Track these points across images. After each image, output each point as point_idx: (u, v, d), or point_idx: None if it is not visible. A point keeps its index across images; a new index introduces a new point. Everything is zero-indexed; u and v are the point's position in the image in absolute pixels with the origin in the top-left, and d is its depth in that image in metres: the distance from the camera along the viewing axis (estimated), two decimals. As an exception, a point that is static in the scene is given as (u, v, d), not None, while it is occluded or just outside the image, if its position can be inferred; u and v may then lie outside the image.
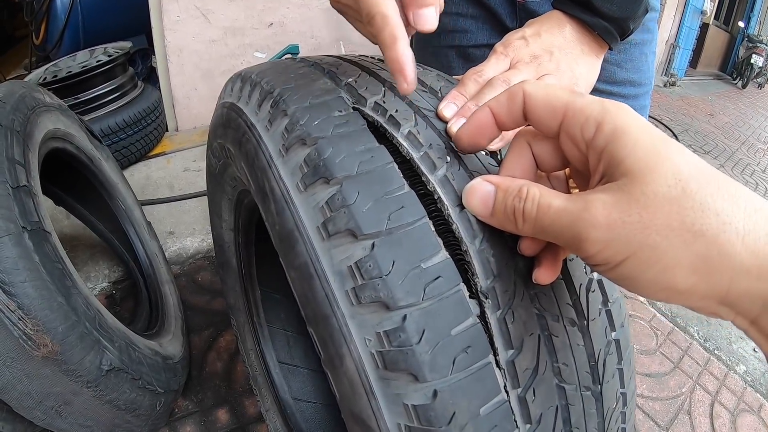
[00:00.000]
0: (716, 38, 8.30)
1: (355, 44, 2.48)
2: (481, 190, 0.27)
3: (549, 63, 0.44)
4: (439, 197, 0.28)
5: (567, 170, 0.30)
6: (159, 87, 2.04)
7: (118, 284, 1.33)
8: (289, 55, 1.94)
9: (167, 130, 2.10)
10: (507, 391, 0.26)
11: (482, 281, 0.26)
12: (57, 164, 1.03)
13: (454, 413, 0.24)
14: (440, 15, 0.70)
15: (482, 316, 0.26)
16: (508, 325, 0.26)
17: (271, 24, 2.15)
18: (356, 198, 0.26)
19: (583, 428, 0.31)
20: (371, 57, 0.45)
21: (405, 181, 0.28)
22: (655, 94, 5.12)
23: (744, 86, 7.67)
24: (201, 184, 1.78)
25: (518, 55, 0.43)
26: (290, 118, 0.31)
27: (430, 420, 0.24)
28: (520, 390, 0.26)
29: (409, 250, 0.26)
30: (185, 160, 1.92)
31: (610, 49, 0.49)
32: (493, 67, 0.42)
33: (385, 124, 0.31)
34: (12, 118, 0.76)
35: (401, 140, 0.30)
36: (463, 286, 0.26)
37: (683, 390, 1.41)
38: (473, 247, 0.27)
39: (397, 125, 0.31)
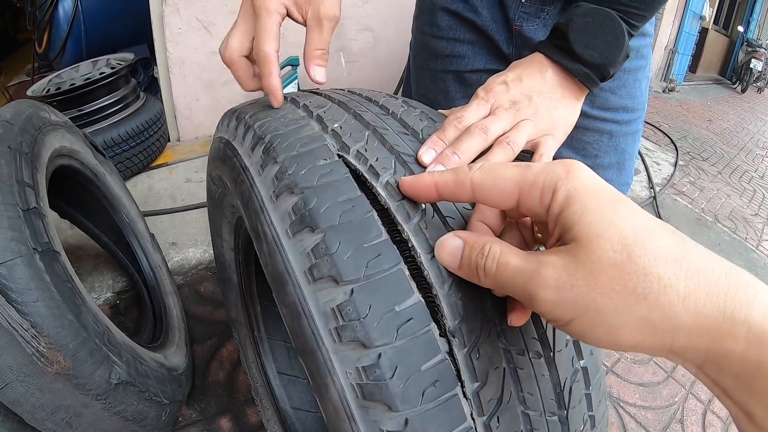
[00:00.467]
0: (716, 43, 8.32)
1: (356, 54, 2.51)
2: (450, 245, 0.29)
3: (528, 108, 0.46)
4: (413, 245, 0.30)
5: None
6: (161, 97, 2.07)
7: (122, 294, 1.36)
8: (289, 67, 1.97)
9: (169, 141, 2.13)
10: (473, 419, 0.29)
11: (450, 322, 0.29)
12: (62, 179, 1.06)
13: None
14: (438, 40, 0.74)
15: (450, 353, 0.29)
16: (473, 360, 0.29)
17: (272, 35, 2.18)
18: (338, 247, 0.29)
19: None
20: (359, 94, 0.48)
21: (383, 229, 0.31)
22: (653, 100, 5.16)
23: (743, 90, 7.70)
24: (203, 195, 1.81)
25: (498, 101, 0.46)
26: (280, 165, 0.34)
27: None
28: (485, 418, 0.29)
29: (384, 294, 0.28)
30: (187, 170, 1.95)
31: (591, 91, 0.51)
32: (473, 112, 0.44)
33: (365, 174, 0.33)
34: (20, 140, 0.79)
35: (380, 190, 0.33)
36: (433, 326, 0.29)
37: (676, 399, 1.44)
38: (442, 291, 0.29)
39: (377, 175, 0.33)
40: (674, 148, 3.65)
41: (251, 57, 0.46)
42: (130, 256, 1.27)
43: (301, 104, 0.43)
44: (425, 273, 0.30)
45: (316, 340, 0.29)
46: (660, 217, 2.47)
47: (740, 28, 8.56)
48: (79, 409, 0.65)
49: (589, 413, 0.38)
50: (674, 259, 0.23)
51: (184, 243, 1.58)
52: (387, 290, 0.28)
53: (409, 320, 0.28)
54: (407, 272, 0.30)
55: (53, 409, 0.64)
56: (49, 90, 1.64)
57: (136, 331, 1.09)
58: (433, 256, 0.30)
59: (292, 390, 0.92)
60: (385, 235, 0.30)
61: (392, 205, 0.32)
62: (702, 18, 6.30)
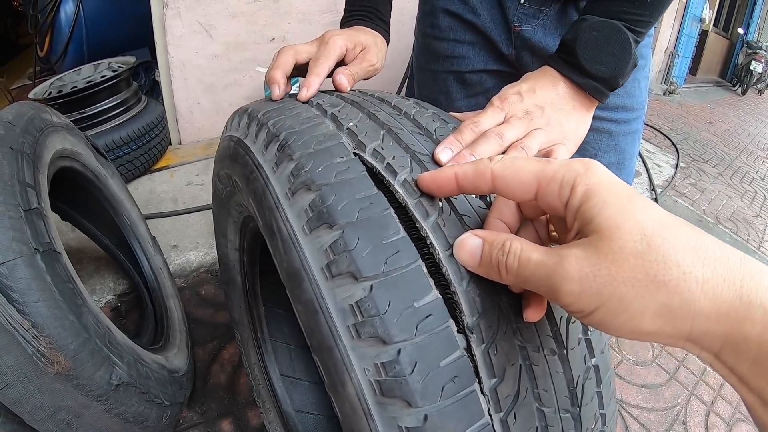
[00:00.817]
0: (716, 45, 8.34)
1: (356, 57, 2.52)
2: (469, 244, 0.30)
3: (540, 119, 0.47)
4: (431, 242, 0.30)
5: (547, 216, 0.33)
6: (162, 101, 2.08)
7: (123, 297, 1.35)
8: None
9: (171, 144, 2.13)
10: (491, 415, 0.29)
11: (468, 318, 0.29)
12: (64, 181, 1.06)
13: None
14: (439, 41, 0.74)
15: (468, 349, 0.29)
16: (491, 357, 0.29)
17: (273, 39, 2.18)
18: (357, 243, 0.29)
19: None
20: (370, 95, 0.48)
21: (401, 227, 0.31)
22: (654, 103, 5.17)
23: (744, 92, 7.71)
24: (204, 198, 1.81)
25: (512, 110, 0.47)
26: (296, 162, 0.34)
27: None
28: (502, 414, 0.29)
29: (403, 291, 0.28)
30: (188, 173, 1.95)
31: (601, 102, 0.52)
32: (489, 119, 0.45)
33: (383, 172, 0.34)
34: (22, 141, 0.79)
35: (397, 187, 0.33)
36: (451, 323, 0.29)
37: (679, 401, 1.43)
38: (461, 288, 0.29)
39: (394, 173, 0.33)
40: (675, 150, 3.65)
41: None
42: (131, 259, 1.27)
43: (314, 103, 0.43)
44: (444, 270, 0.30)
45: (334, 337, 0.29)
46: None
47: (740, 30, 8.58)
48: (80, 410, 0.65)
49: (600, 411, 0.38)
50: (692, 247, 0.24)
51: (186, 246, 1.58)
52: (406, 287, 0.29)
53: (428, 316, 0.28)
54: (425, 269, 0.30)
55: (54, 410, 0.63)
56: (50, 93, 1.64)
57: (137, 333, 1.09)
58: (452, 254, 0.30)
59: (294, 392, 0.92)
60: (403, 233, 0.31)
61: (410, 202, 0.32)
62: (702, 20, 6.32)
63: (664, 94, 5.73)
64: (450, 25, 0.72)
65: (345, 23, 0.63)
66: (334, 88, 0.52)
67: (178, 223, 1.68)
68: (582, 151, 0.72)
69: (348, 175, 0.33)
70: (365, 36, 0.59)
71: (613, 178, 0.27)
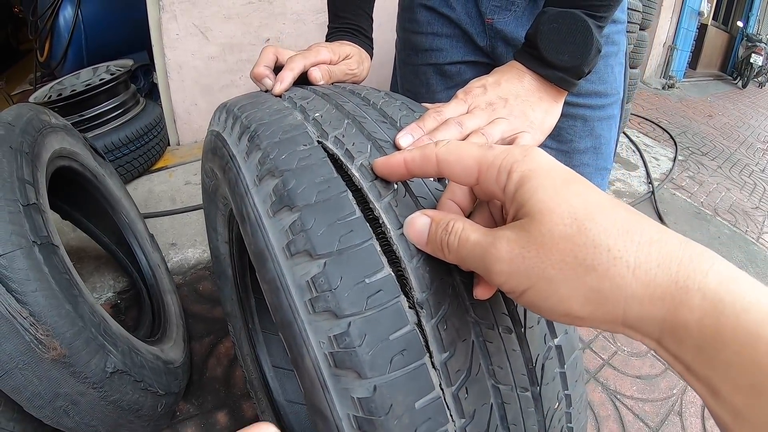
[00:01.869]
0: (715, 39, 8.32)
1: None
2: (418, 223, 0.31)
3: (503, 109, 0.48)
4: (383, 222, 0.32)
5: None
6: (160, 103, 2.11)
7: (122, 294, 1.38)
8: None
9: (169, 145, 2.16)
10: (442, 389, 0.30)
11: (418, 294, 0.30)
12: (63, 181, 1.09)
13: (391, 405, 0.28)
14: (418, 35, 0.77)
15: (419, 324, 0.30)
16: (441, 331, 0.30)
17: (268, 39, 2.21)
18: (313, 223, 0.31)
19: (520, 425, 0.35)
20: (342, 87, 0.50)
21: (356, 208, 0.32)
22: (653, 97, 5.16)
23: (744, 86, 7.69)
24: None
25: (475, 102, 0.48)
26: (263, 151, 0.36)
27: (371, 410, 0.28)
28: (453, 388, 0.30)
29: (355, 267, 0.30)
30: (187, 173, 1.98)
31: (570, 91, 0.53)
32: (452, 109, 0.47)
33: (342, 158, 0.35)
34: (21, 141, 0.82)
35: (354, 171, 0.34)
36: (402, 299, 0.30)
37: (674, 392, 1.44)
38: (411, 265, 0.31)
39: (351, 158, 0.35)
40: (673, 143, 3.65)
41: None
42: (129, 256, 1.29)
43: (286, 96, 0.46)
44: (394, 248, 0.31)
45: (293, 312, 0.31)
46: (658, 212, 2.47)
47: (740, 24, 8.55)
48: (76, 397, 0.67)
49: (565, 392, 0.39)
50: (625, 231, 0.24)
51: (184, 243, 1.61)
52: (358, 263, 0.30)
53: (378, 291, 0.29)
54: (378, 248, 0.31)
55: (51, 397, 0.66)
56: (50, 96, 1.68)
57: (134, 327, 1.11)
58: (403, 233, 0.32)
59: (287, 383, 0.94)
60: (358, 213, 0.32)
61: (365, 185, 0.34)
62: (700, 14, 6.31)
63: (663, 88, 5.72)
64: (427, 19, 0.74)
65: (329, 39, 0.66)
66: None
67: (176, 221, 1.70)
68: (558, 138, 0.75)
69: (309, 162, 0.34)
70: (349, 48, 0.61)
71: (551, 164, 0.27)
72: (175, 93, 2.08)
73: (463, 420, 0.31)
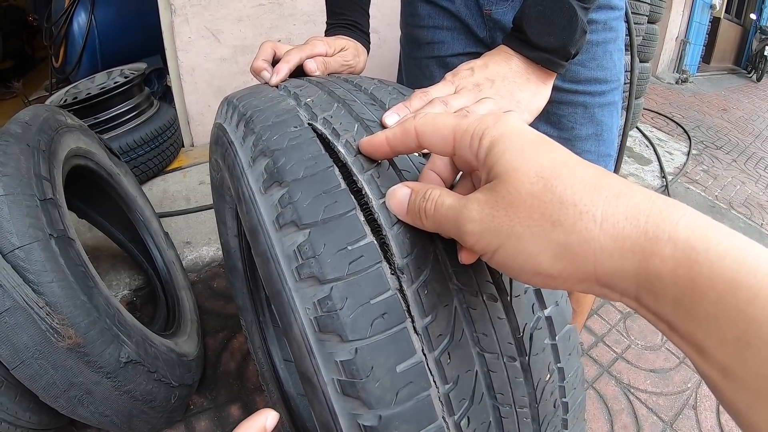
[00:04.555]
0: (729, 32, 8.17)
1: (360, 56, 2.56)
2: (399, 193, 0.32)
3: (490, 89, 0.49)
4: (366, 192, 0.33)
5: None
6: (174, 105, 2.14)
7: (138, 291, 1.41)
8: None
9: (183, 146, 2.20)
10: (425, 354, 0.31)
11: (399, 260, 0.31)
12: (80, 180, 1.11)
13: (372, 368, 0.29)
14: (419, 29, 0.77)
15: (401, 290, 0.31)
16: (421, 296, 0.31)
17: (279, 40, 2.23)
18: (299, 196, 0.32)
19: (508, 395, 0.35)
20: (336, 77, 0.52)
21: (341, 181, 0.33)
22: (666, 92, 5.10)
23: (759, 79, 7.54)
24: (214, 196, 1.86)
25: (462, 84, 0.49)
26: (256, 134, 0.38)
27: (353, 373, 0.29)
28: (436, 353, 0.31)
29: (338, 235, 0.31)
30: (201, 173, 2.01)
31: (558, 73, 0.53)
32: (439, 89, 0.48)
33: (329, 136, 0.37)
34: (38, 139, 0.84)
35: (340, 148, 0.36)
36: (385, 265, 0.31)
37: (689, 385, 1.42)
38: (391, 232, 0.32)
39: (337, 136, 0.37)
40: (687, 137, 3.60)
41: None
42: (145, 253, 1.32)
43: (282, 86, 0.48)
44: (376, 216, 0.32)
45: (282, 280, 0.32)
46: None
47: (753, 16, 8.39)
48: (91, 386, 0.69)
49: (557, 365, 0.39)
50: (592, 186, 0.24)
51: (198, 242, 1.63)
52: (341, 231, 0.31)
53: (360, 257, 0.30)
54: (362, 217, 0.32)
55: (66, 387, 0.68)
56: (66, 100, 1.72)
57: (149, 322, 1.13)
58: (384, 202, 0.33)
59: (296, 375, 0.95)
60: (343, 186, 0.33)
61: (349, 159, 0.35)
62: (712, 7, 6.22)
63: (676, 82, 5.64)
64: (428, 13, 0.75)
65: (327, 35, 0.68)
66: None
67: (191, 220, 1.73)
68: (559, 125, 0.75)
69: (299, 141, 0.36)
70: (345, 41, 0.63)
71: (522, 128, 0.27)
72: (189, 95, 2.11)
73: (447, 386, 0.31)
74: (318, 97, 0.42)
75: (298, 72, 0.55)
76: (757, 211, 2.70)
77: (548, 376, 0.38)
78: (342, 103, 0.41)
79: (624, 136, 1.17)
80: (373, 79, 0.51)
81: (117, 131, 1.76)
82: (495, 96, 0.48)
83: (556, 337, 0.38)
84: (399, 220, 0.32)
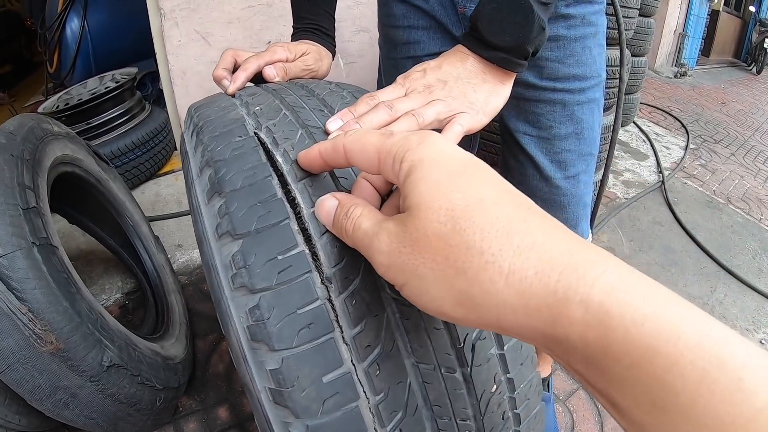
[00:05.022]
0: (728, 25, 8.12)
1: (353, 56, 2.56)
2: (326, 204, 0.31)
3: (441, 91, 0.47)
4: (298, 201, 0.33)
5: None
6: (166, 108, 2.16)
7: (130, 295, 1.42)
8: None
9: (176, 149, 2.21)
10: (354, 364, 0.31)
11: (327, 269, 0.31)
12: (68, 186, 1.13)
13: (298, 377, 0.29)
14: (395, 29, 0.78)
15: (330, 299, 0.31)
16: (349, 306, 0.31)
17: (270, 42, 2.24)
18: (235, 206, 0.32)
19: (446, 407, 0.35)
20: (294, 82, 0.52)
21: (277, 190, 0.33)
22: (664, 86, 5.08)
23: (759, 72, 7.50)
24: (207, 198, 1.87)
25: (413, 86, 0.48)
26: (204, 145, 0.38)
27: (280, 382, 0.29)
28: (364, 364, 0.31)
29: (269, 244, 0.31)
30: (193, 176, 2.02)
31: (518, 73, 0.52)
32: (387, 93, 0.47)
33: (269, 145, 0.37)
34: (22, 149, 0.85)
35: (278, 157, 0.36)
36: (315, 274, 0.31)
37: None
38: (321, 242, 0.32)
39: (277, 145, 0.37)
40: (685, 132, 3.59)
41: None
42: (135, 258, 1.33)
43: (238, 95, 0.48)
44: (306, 225, 0.32)
45: (221, 289, 0.32)
46: (669, 202, 2.44)
47: (752, 8, 8.32)
48: (75, 390, 0.71)
49: (507, 375, 0.38)
50: (505, 232, 0.22)
51: (190, 244, 1.64)
52: (272, 241, 0.31)
53: (288, 267, 0.31)
54: (296, 226, 0.32)
55: (51, 390, 0.69)
56: (58, 106, 1.73)
57: (139, 325, 1.15)
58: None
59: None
60: (279, 195, 0.33)
61: (285, 168, 0.35)
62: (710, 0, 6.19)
63: (675, 76, 5.62)
64: (403, 12, 0.75)
65: (293, 39, 0.68)
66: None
67: (182, 223, 1.75)
68: (537, 124, 0.74)
69: (242, 151, 0.36)
70: (307, 46, 0.63)
71: (444, 153, 0.26)
72: (180, 98, 2.12)
73: (377, 397, 0.31)
74: (267, 105, 0.42)
75: (261, 79, 0.55)
76: (755, 205, 2.69)
77: (494, 387, 0.37)
78: (290, 110, 0.41)
79: (614, 132, 1.16)
80: (330, 83, 0.51)
81: (109, 136, 1.78)
82: (446, 98, 0.47)
83: (504, 347, 0.38)
84: (328, 231, 0.32)
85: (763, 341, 1.63)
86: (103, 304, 1.40)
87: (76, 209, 1.29)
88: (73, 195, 1.21)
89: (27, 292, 0.68)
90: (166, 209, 1.81)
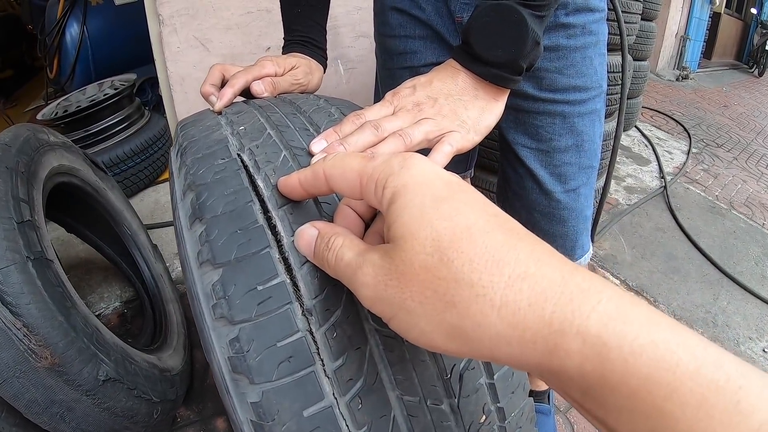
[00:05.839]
0: (729, 27, 8.11)
1: (353, 61, 2.56)
2: (306, 234, 0.30)
3: (431, 109, 0.45)
4: (278, 230, 0.32)
5: None
6: (166, 115, 2.16)
7: (129, 303, 1.42)
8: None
9: (176, 155, 2.21)
10: (336, 397, 0.30)
11: (307, 301, 0.30)
12: (66, 196, 1.12)
13: (278, 411, 0.28)
14: (391, 39, 0.77)
15: (311, 332, 0.30)
16: (329, 339, 0.30)
17: (269, 48, 2.24)
18: (216, 233, 0.32)
19: None
20: (282, 97, 0.51)
21: (259, 216, 0.32)
22: (666, 89, 5.07)
23: (761, 74, 7.49)
24: (207, 205, 1.87)
25: (402, 103, 0.46)
26: (187, 167, 0.37)
27: (260, 416, 0.28)
28: (346, 398, 0.30)
29: (249, 274, 0.30)
30: (192, 182, 2.02)
31: (510, 89, 0.50)
32: (375, 111, 0.45)
33: (251, 169, 0.36)
34: (17, 160, 0.85)
35: (259, 182, 0.35)
36: (296, 306, 0.30)
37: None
38: (300, 272, 0.31)
39: (258, 168, 0.36)
40: (687, 135, 3.57)
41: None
42: (133, 267, 1.33)
43: (224, 112, 0.47)
44: (286, 255, 0.31)
45: (204, 318, 0.31)
46: (671, 208, 2.42)
47: (753, 11, 8.32)
48: (71, 404, 0.70)
49: (497, 404, 0.37)
50: (495, 262, 0.21)
51: (189, 252, 1.64)
52: (252, 271, 0.30)
53: (268, 298, 0.30)
54: (277, 255, 0.31)
55: (47, 404, 0.69)
56: (57, 113, 1.73)
57: (138, 335, 1.14)
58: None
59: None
60: (260, 222, 0.32)
61: (266, 194, 0.34)
62: (712, 2, 6.18)
63: (676, 79, 5.61)
64: (399, 22, 0.74)
65: (284, 52, 0.67)
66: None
67: (181, 231, 1.74)
68: (537, 137, 0.72)
69: (224, 174, 0.35)
70: (296, 60, 0.61)
71: (426, 178, 0.25)
72: (179, 105, 2.12)
73: (360, 431, 0.30)
74: (252, 124, 0.41)
75: (250, 93, 0.54)
76: (759, 210, 2.67)
77: (483, 417, 0.36)
78: (275, 130, 0.40)
79: (616, 139, 1.14)
80: (319, 98, 0.50)
81: (108, 143, 1.78)
82: (436, 116, 0.45)
83: (494, 376, 0.37)
84: (308, 261, 0.31)
85: (766, 350, 1.61)
86: (101, 313, 1.39)
87: (74, 218, 1.28)
88: (70, 204, 1.21)
89: (22, 307, 0.67)
90: (165, 216, 1.80)
